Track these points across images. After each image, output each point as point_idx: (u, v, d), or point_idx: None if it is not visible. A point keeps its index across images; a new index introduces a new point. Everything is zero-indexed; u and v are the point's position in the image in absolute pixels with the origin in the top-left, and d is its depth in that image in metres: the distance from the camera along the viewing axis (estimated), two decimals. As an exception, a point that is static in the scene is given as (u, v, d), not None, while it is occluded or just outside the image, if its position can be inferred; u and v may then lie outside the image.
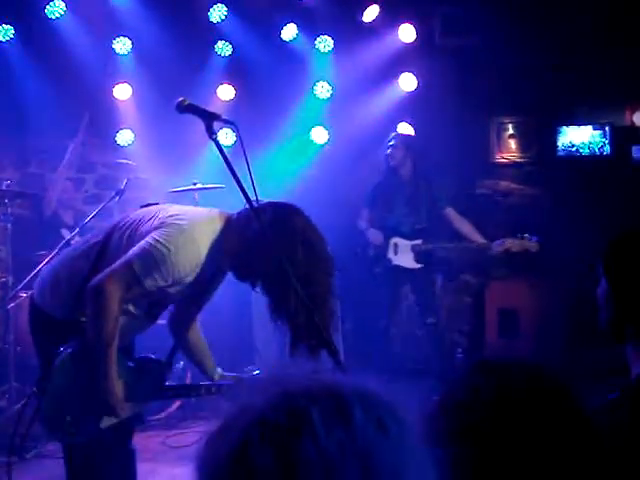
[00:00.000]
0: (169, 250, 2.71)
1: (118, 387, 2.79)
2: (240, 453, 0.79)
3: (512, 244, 5.78)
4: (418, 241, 6.10)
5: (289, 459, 0.77)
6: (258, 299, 2.98)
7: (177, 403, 5.57)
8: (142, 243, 2.75)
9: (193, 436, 5.18)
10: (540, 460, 1.13)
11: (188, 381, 5.66)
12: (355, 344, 6.42)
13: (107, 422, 2.86)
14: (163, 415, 5.58)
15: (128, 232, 2.89)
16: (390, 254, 6.17)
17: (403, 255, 6.12)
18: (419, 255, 6.09)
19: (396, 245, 6.15)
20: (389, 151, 6.18)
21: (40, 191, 6.33)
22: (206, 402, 5.62)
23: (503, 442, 1.13)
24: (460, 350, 6.84)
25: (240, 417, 0.82)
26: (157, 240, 2.72)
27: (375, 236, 6.16)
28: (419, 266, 6.10)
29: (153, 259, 2.71)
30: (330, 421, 0.79)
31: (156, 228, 2.78)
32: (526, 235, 5.77)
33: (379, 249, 6.19)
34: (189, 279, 2.81)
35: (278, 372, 0.89)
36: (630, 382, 1.80)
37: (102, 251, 2.90)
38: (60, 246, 5.27)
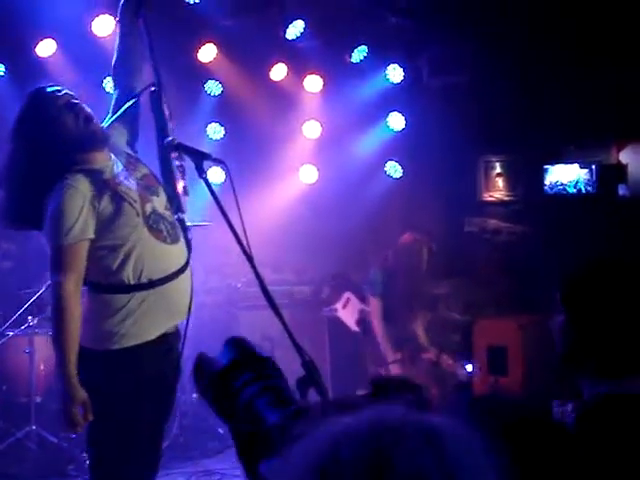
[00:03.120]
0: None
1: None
2: (330, 464, 0.79)
3: (445, 361, 5.85)
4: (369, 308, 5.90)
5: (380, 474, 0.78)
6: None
7: (165, 443, 5.51)
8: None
9: (181, 476, 5.12)
10: None
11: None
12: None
13: None
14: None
15: None
16: (338, 304, 6.09)
17: (349, 313, 5.97)
18: (360, 321, 5.91)
19: (348, 300, 6.03)
20: (422, 250, 5.83)
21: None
22: (195, 442, 5.58)
23: None
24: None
25: (327, 430, 0.83)
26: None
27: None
28: (356, 329, 5.91)
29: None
30: (421, 445, 0.80)
31: None
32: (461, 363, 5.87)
33: (331, 296, 6.11)
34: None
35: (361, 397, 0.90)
36: (582, 406, 1.83)
37: None
38: (47, 285, 5.24)
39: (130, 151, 3.28)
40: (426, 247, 5.81)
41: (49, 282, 5.13)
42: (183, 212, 3.21)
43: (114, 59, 3.36)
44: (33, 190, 2.98)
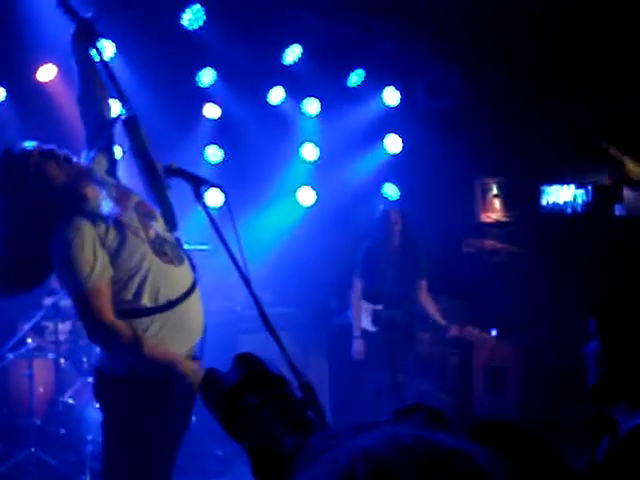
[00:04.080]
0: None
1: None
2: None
3: (469, 333, 5.87)
4: (380, 306, 6.06)
5: None
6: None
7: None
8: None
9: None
10: None
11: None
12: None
13: None
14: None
15: None
16: (350, 312, 6.17)
17: (363, 316, 6.08)
18: (376, 319, 6.04)
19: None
20: (392, 219, 6.08)
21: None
22: (194, 463, 5.57)
23: None
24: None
25: (344, 449, 0.84)
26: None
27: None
28: (375, 329, 6.05)
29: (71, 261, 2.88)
30: (433, 465, 0.81)
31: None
32: (485, 329, 5.89)
33: (341, 302, 6.20)
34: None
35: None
36: (620, 437, 1.80)
37: None
38: (46, 308, 5.27)
39: (114, 181, 3.31)
40: (398, 215, 6.11)
41: (47, 305, 5.21)
42: (177, 230, 3.25)
43: (77, 93, 3.37)
44: (32, 247, 2.97)
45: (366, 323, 6.09)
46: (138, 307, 3.01)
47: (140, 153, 3.21)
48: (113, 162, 3.40)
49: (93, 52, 3.34)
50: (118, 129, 3.37)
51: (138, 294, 3.00)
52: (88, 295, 2.90)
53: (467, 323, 6.83)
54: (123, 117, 3.25)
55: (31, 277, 3.06)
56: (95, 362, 3.22)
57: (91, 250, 2.90)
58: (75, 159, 3.08)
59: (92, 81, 3.36)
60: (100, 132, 3.33)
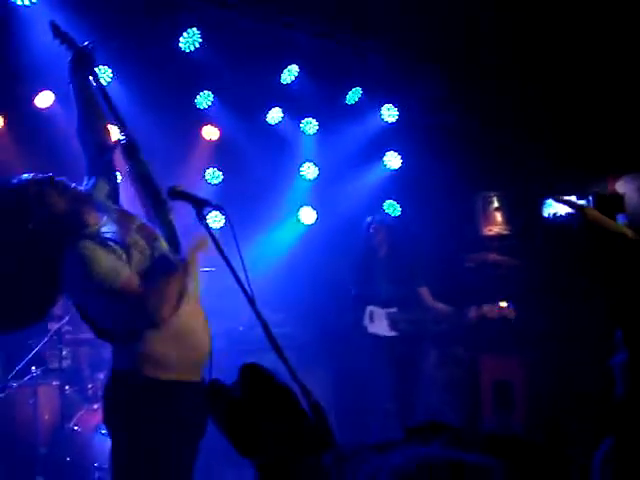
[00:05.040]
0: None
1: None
2: None
3: (488, 310, 5.80)
4: (393, 309, 6.10)
5: None
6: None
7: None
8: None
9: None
10: None
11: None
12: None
13: None
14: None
15: None
16: (366, 321, 6.17)
17: (379, 323, 6.11)
18: (394, 323, 6.07)
19: (372, 313, 6.15)
20: (371, 231, 6.27)
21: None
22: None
23: None
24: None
25: (370, 467, 0.87)
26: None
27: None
28: (394, 334, 6.07)
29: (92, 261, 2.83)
30: None
31: None
32: (503, 303, 5.78)
33: (356, 315, 6.21)
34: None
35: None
36: None
37: None
38: (50, 335, 5.25)
39: (116, 206, 3.30)
40: (380, 227, 6.28)
41: (51, 332, 5.18)
42: (180, 252, 3.24)
43: (76, 121, 3.37)
44: (37, 277, 2.95)
45: (380, 328, 6.09)
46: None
47: (141, 177, 3.20)
48: (114, 187, 3.39)
49: (91, 79, 3.35)
50: (118, 154, 3.39)
51: None
52: (123, 288, 2.85)
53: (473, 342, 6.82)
54: (122, 142, 3.25)
55: (40, 307, 3.03)
56: (110, 364, 3.17)
57: (107, 258, 2.87)
58: (73, 185, 3.07)
59: (90, 108, 3.37)
60: (100, 158, 3.33)
